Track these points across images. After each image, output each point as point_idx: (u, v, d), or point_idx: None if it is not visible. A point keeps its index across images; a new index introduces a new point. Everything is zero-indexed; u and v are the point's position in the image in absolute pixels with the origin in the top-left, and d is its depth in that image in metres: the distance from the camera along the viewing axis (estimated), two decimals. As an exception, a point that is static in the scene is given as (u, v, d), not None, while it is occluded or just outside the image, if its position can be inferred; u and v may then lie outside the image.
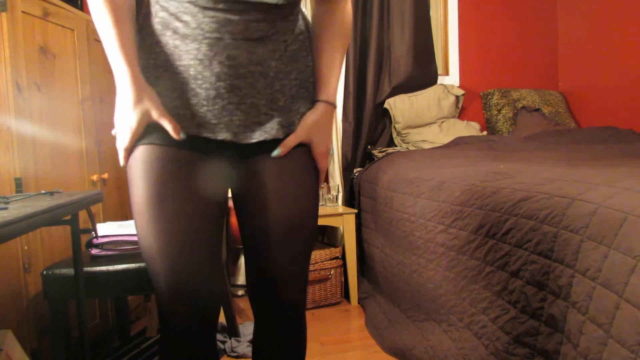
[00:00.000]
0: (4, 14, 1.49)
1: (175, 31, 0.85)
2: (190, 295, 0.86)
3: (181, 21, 0.84)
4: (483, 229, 1.41)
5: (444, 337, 1.60)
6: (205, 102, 0.85)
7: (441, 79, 3.27)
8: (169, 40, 0.86)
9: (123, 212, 2.22)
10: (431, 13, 3.19)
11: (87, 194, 1.27)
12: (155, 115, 0.85)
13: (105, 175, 2.03)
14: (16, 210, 0.95)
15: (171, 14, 0.85)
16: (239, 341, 1.99)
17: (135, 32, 0.89)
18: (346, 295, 2.60)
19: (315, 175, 0.97)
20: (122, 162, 0.89)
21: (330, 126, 0.98)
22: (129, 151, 0.87)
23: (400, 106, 3.01)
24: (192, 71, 0.85)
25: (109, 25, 0.85)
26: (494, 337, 1.32)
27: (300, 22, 0.95)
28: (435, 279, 1.68)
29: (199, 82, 0.85)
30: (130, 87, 0.84)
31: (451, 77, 3.37)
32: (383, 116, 3.11)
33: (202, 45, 0.83)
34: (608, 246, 0.97)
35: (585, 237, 1.03)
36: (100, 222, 1.88)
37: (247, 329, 2.12)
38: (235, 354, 1.92)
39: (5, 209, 0.97)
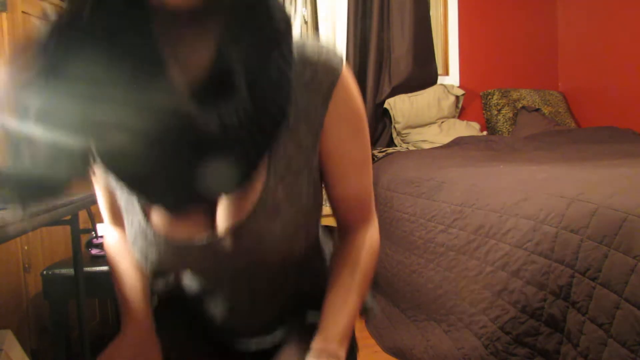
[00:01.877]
0: (4, 14, 1.49)
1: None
2: None
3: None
4: (483, 229, 1.41)
5: (444, 337, 1.60)
6: None
7: (441, 79, 3.27)
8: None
9: (123, 212, 2.22)
10: (431, 13, 3.19)
11: (87, 194, 1.26)
12: None
13: (105, 175, 2.03)
14: (16, 210, 0.95)
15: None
16: (239, 341, 1.99)
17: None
18: (346, 295, 2.60)
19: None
20: None
21: None
22: None
23: (400, 106, 3.01)
24: None
25: (119, 275, 0.82)
26: (494, 337, 1.32)
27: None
28: (435, 279, 1.68)
29: None
30: (136, 335, 0.78)
31: (451, 77, 3.37)
32: (383, 116, 3.11)
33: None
34: (608, 246, 0.97)
35: (585, 237, 1.03)
36: (100, 222, 1.88)
37: (247, 329, 2.11)
38: (235, 354, 1.92)
39: (5, 208, 0.97)
